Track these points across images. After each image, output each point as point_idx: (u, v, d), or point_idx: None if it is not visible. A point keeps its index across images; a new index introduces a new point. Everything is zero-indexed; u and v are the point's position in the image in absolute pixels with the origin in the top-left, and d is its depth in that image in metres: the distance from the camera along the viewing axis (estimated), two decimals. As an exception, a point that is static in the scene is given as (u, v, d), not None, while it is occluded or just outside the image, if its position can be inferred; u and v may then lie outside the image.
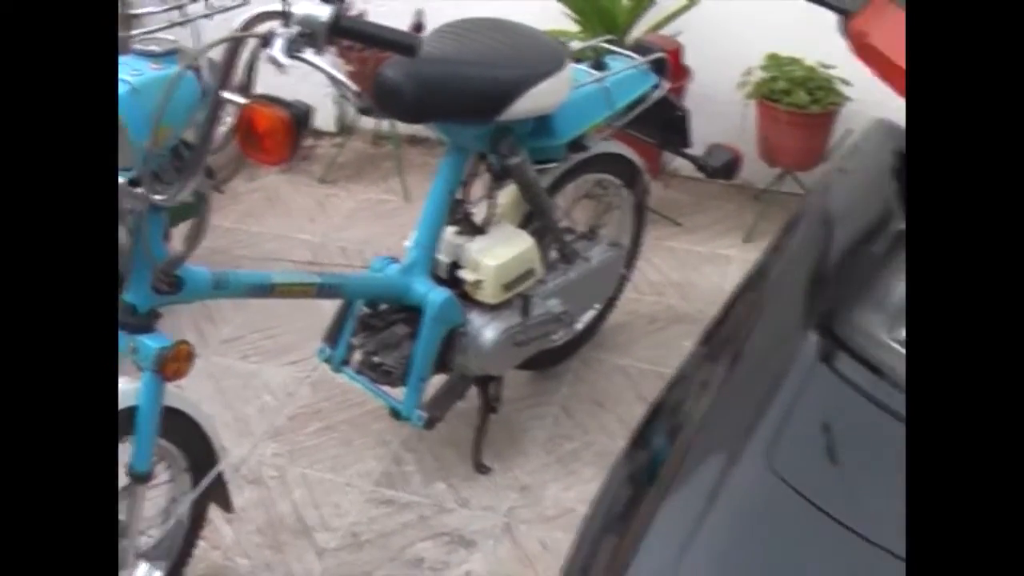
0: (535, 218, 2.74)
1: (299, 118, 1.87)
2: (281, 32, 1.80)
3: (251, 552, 2.62)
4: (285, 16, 1.82)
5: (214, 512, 2.52)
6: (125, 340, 2.00)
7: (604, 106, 2.76)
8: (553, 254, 2.88)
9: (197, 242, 2.11)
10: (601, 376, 3.15)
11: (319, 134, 4.59)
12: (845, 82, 3.66)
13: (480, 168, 2.70)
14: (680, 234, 3.90)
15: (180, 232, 3.37)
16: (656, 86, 2.92)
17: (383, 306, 2.63)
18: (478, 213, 2.72)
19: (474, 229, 2.66)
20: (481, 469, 2.82)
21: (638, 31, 3.85)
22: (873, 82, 1.58)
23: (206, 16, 3.24)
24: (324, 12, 1.82)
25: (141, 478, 2.03)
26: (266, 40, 1.82)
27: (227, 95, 1.91)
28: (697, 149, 3.11)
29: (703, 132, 3.23)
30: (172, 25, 3.16)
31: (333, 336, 2.72)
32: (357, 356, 2.66)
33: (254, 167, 4.35)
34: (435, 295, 2.55)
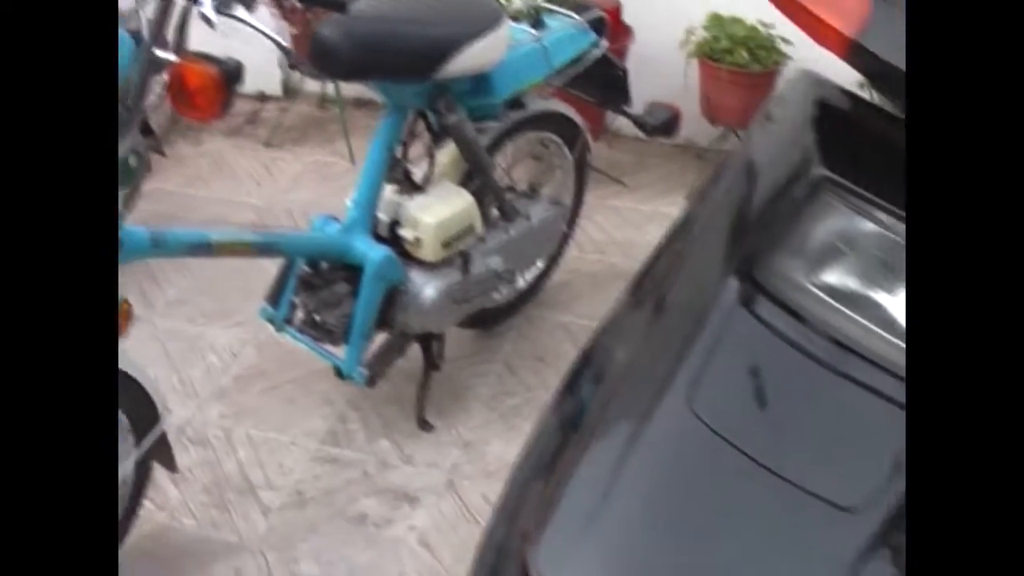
0: (475, 176, 2.75)
1: (229, 75, 1.89)
2: (210, -12, 1.81)
3: (197, 512, 2.64)
4: (214, -28, 1.82)
5: (160, 473, 2.53)
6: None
7: (542, 65, 2.77)
8: (494, 212, 2.89)
9: (133, 202, 2.11)
10: (544, 333, 3.18)
11: (265, 98, 4.57)
12: (786, 41, 3.68)
13: (420, 127, 2.71)
14: (623, 193, 3.93)
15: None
16: (595, 45, 2.94)
17: (324, 265, 2.64)
18: (418, 172, 2.73)
19: (414, 187, 2.68)
20: (424, 426, 2.85)
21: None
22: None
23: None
24: (252, -32, 1.82)
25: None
26: (196, -3, 1.83)
27: (159, 53, 1.91)
28: (640, 108, 3.14)
29: (645, 92, 3.25)
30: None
31: (275, 296, 2.73)
32: (299, 315, 2.67)
33: (198, 131, 4.33)
34: (375, 253, 2.56)
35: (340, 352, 2.68)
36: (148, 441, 2.28)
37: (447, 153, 2.77)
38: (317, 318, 2.61)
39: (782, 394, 1.44)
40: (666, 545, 1.36)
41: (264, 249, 2.45)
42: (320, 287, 2.62)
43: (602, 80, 3.04)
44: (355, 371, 2.63)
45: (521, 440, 2.73)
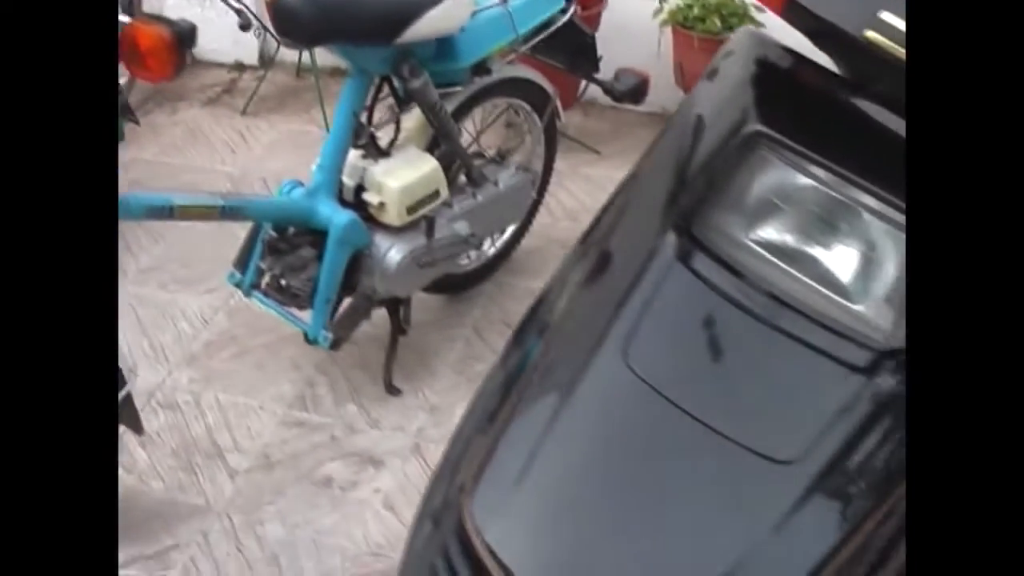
0: (441, 142, 2.76)
1: (182, 36, 1.89)
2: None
3: (165, 475, 2.66)
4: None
5: (128, 437, 2.56)
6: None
7: (508, 30, 2.78)
8: (461, 178, 2.90)
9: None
10: (513, 299, 3.19)
11: (243, 67, 4.58)
12: (759, 8, 3.69)
13: (385, 92, 2.72)
14: (597, 162, 3.94)
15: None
16: (562, 11, 2.94)
17: (291, 230, 2.66)
18: (384, 137, 2.74)
19: (379, 152, 2.69)
20: (392, 391, 2.87)
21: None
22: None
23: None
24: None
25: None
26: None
27: (112, 14, 1.92)
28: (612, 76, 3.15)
29: (619, 59, 3.26)
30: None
31: (242, 261, 2.75)
32: (265, 280, 2.68)
33: (175, 100, 4.34)
34: (339, 217, 2.57)
35: (306, 316, 2.69)
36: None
37: (413, 118, 2.78)
38: (283, 282, 2.63)
39: (718, 349, 1.46)
40: (597, 499, 1.38)
41: (228, 213, 2.46)
42: (286, 252, 2.63)
43: (570, 46, 3.04)
44: (320, 335, 2.65)
45: (487, 404, 2.78)
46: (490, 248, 3.22)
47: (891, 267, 1.43)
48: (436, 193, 2.70)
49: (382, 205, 2.62)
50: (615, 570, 1.33)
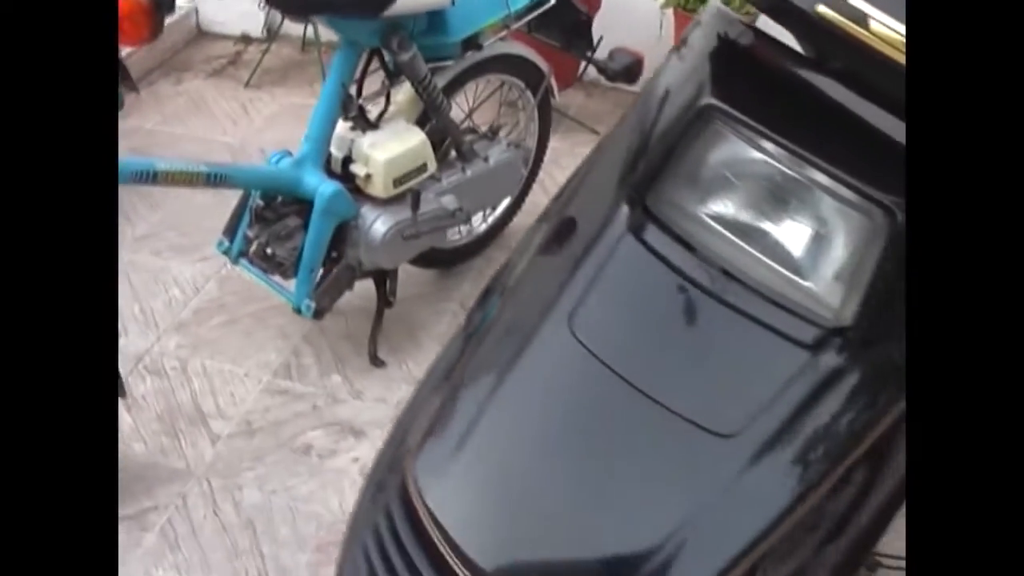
0: (430, 115, 2.77)
1: (159, 1, 1.90)
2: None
3: (148, 438, 2.69)
4: None
5: (113, 400, 2.59)
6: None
7: (500, 6, 2.78)
8: (452, 153, 2.91)
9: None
10: (502, 275, 3.20)
11: (248, 40, 4.60)
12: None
13: (375, 65, 2.73)
14: (595, 141, 3.92)
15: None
16: (557, -11, 2.95)
17: (279, 199, 2.67)
18: (374, 110, 2.75)
19: (367, 124, 2.70)
20: (376, 362, 2.89)
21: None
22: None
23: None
24: None
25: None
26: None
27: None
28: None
29: (620, 41, 3.24)
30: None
31: (231, 229, 2.77)
32: (252, 248, 2.70)
33: (180, 71, 4.36)
34: (325, 187, 2.59)
35: (291, 285, 2.71)
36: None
37: (404, 92, 2.79)
38: (268, 251, 2.64)
39: (664, 321, 1.47)
40: (536, 465, 1.39)
41: (213, 180, 2.48)
42: (272, 220, 2.65)
43: (565, 25, 3.04)
44: (303, 303, 2.67)
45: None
46: (481, 224, 3.23)
47: (841, 245, 1.43)
48: (423, 166, 2.71)
49: (368, 177, 2.64)
50: (550, 536, 1.34)
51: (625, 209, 1.52)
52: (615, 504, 1.35)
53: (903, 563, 2.21)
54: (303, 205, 2.64)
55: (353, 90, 2.69)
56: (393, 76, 2.72)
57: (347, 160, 2.69)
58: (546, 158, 3.35)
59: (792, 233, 1.46)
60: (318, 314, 2.69)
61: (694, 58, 1.61)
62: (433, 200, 2.77)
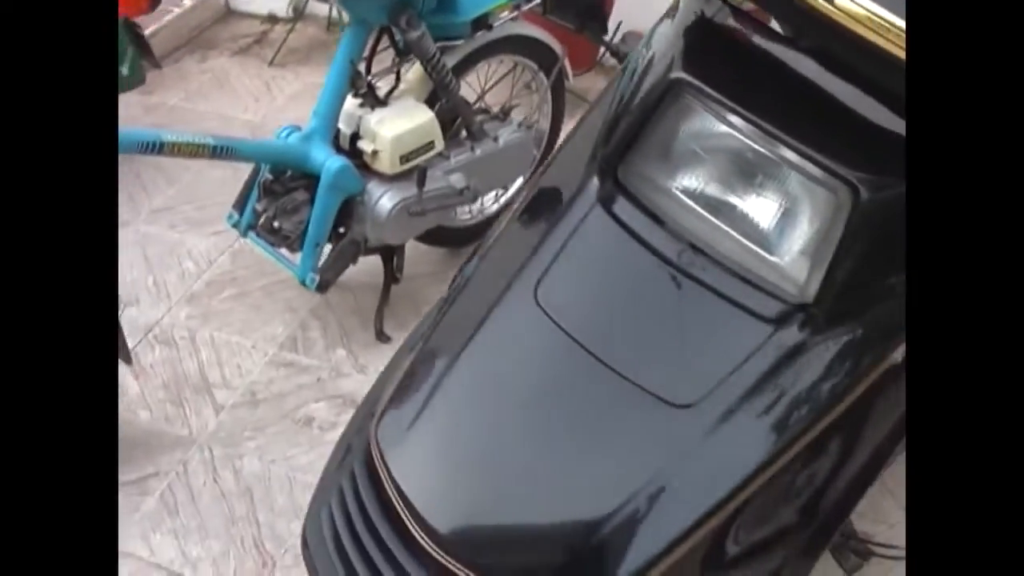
0: (439, 94, 2.79)
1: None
2: None
3: (153, 406, 2.73)
4: None
5: (122, 368, 2.64)
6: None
7: (510, -15, 2.80)
8: (463, 132, 2.93)
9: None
10: (511, 256, 3.21)
11: (275, 19, 4.63)
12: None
13: (385, 43, 2.76)
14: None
15: (120, 99, 3.48)
16: (570, -30, 2.96)
17: (287, 174, 2.70)
18: (384, 87, 2.78)
19: (376, 101, 2.73)
20: (381, 337, 2.91)
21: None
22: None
23: None
24: None
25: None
26: None
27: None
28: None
29: (638, 25, 3.25)
30: None
31: (241, 202, 2.80)
32: (260, 221, 2.73)
33: (205, 49, 4.41)
34: (332, 162, 2.62)
35: (297, 259, 2.74)
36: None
37: (414, 71, 2.82)
38: (275, 224, 2.68)
39: (629, 293, 1.48)
40: (493, 431, 1.41)
41: (220, 152, 2.51)
42: (280, 194, 2.68)
43: (580, 8, 3.06)
44: (307, 276, 2.70)
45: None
46: (492, 204, 3.25)
47: (806, 221, 1.44)
48: (431, 144, 2.73)
49: (375, 153, 2.66)
50: (505, 501, 1.36)
51: (596, 181, 1.53)
52: (571, 471, 1.37)
53: (895, 551, 2.21)
54: (311, 180, 2.67)
55: (363, 67, 2.71)
56: (403, 54, 2.74)
57: (355, 136, 2.71)
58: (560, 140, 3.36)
59: (759, 208, 1.46)
60: (322, 287, 2.71)
61: (671, 34, 1.62)
62: (441, 178, 2.79)
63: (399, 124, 2.66)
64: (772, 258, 1.46)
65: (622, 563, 1.34)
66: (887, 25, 1.30)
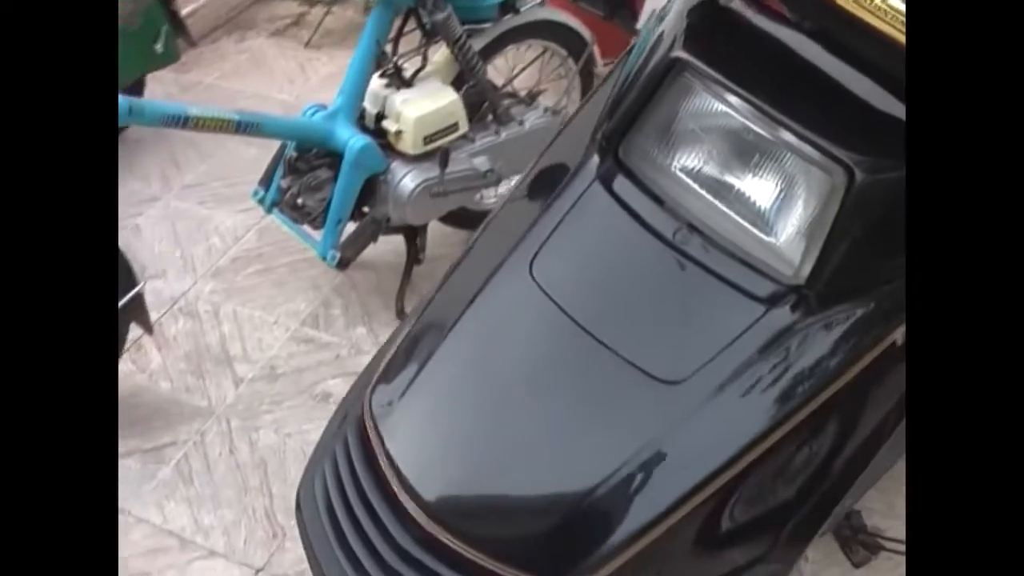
0: (465, 76, 2.81)
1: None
2: None
3: (174, 377, 2.77)
4: None
5: (146, 339, 2.68)
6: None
7: (536, -31, 2.82)
8: (489, 116, 2.94)
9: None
10: (534, 240, 3.23)
11: (312, 1, 4.66)
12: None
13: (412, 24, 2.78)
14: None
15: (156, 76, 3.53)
16: (599, -43, 2.96)
17: (312, 151, 2.73)
18: (411, 68, 2.80)
19: (402, 82, 2.75)
20: (402, 316, 2.94)
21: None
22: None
23: None
24: None
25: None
26: None
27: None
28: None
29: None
30: None
31: (266, 179, 2.84)
32: (284, 198, 2.76)
33: (244, 29, 4.45)
34: (355, 141, 2.64)
35: (320, 236, 2.77)
36: (125, 300, 2.39)
37: (441, 53, 2.83)
38: (299, 201, 2.70)
39: (624, 270, 1.49)
40: (483, 400, 1.43)
41: (243, 128, 2.54)
42: (304, 171, 2.71)
43: (611, -6, 3.07)
44: (328, 253, 2.72)
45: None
46: (517, 188, 3.26)
47: (802, 202, 1.44)
48: (455, 126, 2.75)
49: (399, 133, 2.68)
50: (491, 470, 1.38)
51: (597, 158, 1.54)
52: (558, 443, 1.38)
53: (904, 546, 2.21)
54: (335, 158, 2.70)
55: (389, 48, 2.73)
56: (429, 35, 2.76)
57: (380, 116, 2.73)
58: (588, 126, 3.36)
59: (756, 188, 1.47)
60: (342, 264, 2.74)
61: (677, 14, 1.62)
62: (464, 160, 2.80)
63: (423, 105, 2.68)
64: (768, 238, 1.47)
65: (609, 533, 1.36)
66: (887, 8, 1.30)
